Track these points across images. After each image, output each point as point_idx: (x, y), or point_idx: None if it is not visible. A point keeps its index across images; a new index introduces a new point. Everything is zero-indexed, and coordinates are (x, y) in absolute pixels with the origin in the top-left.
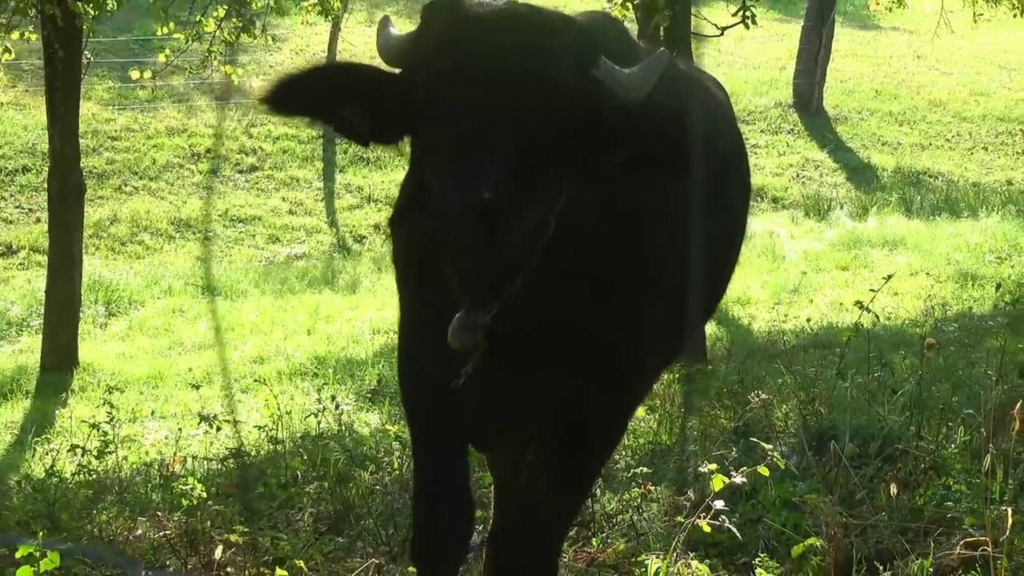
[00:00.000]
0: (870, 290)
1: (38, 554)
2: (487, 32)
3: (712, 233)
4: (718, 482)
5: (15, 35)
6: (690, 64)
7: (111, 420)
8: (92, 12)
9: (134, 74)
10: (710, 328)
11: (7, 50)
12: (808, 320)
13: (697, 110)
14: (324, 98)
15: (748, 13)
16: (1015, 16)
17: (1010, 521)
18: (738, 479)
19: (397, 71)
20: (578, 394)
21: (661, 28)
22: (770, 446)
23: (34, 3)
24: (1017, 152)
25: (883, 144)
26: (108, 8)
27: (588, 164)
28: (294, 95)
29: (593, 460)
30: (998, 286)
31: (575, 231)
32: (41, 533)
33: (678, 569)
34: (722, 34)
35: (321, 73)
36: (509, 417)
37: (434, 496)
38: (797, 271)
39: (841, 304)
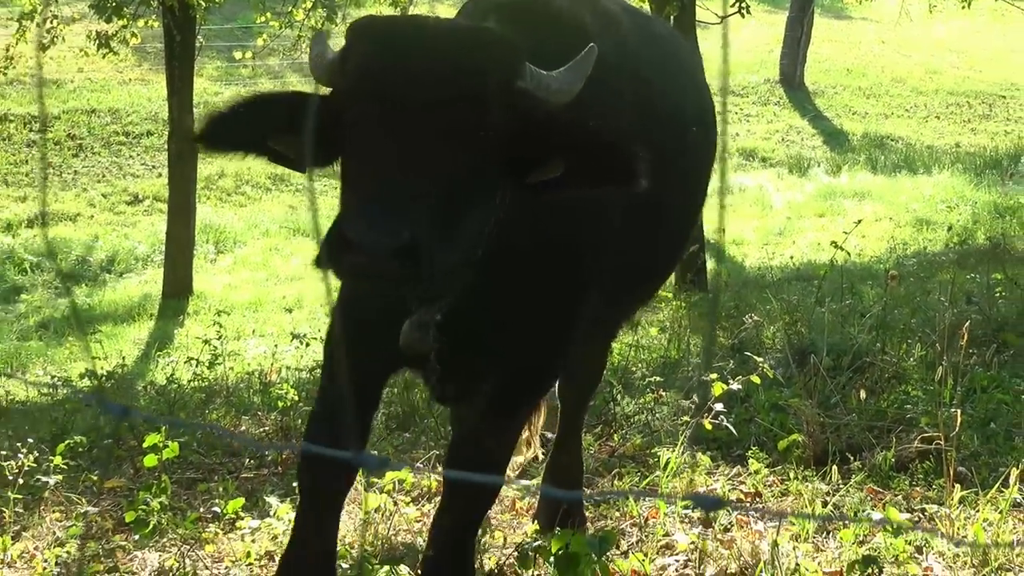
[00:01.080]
0: (843, 232)
1: (162, 444)
2: (409, 52)
3: (665, 209)
4: (718, 388)
5: (141, 23)
6: (656, 22)
7: (220, 337)
8: (203, 4)
9: (237, 55)
10: (710, 263)
11: (134, 35)
12: (791, 258)
13: (656, 77)
14: (251, 133)
15: (744, 4)
16: (963, 7)
17: (959, 421)
18: (735, 386)
19: (326, 91)
20: (512, 360)
21: (671, 17)
22: (761, 359)
23: None
24: (963, 120)
25: (853, 113)
26: (216, 0)
27: (524, 177)
28: (223, 133)
29: (526, 400)
30: (949, 228)
31: (514, 227)
32: (164, 428)
33: (685, 459)
34: (721, 21)
35: (245, 107)
36: (460, 378)
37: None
38: (782, 217)
39: (819, 244)
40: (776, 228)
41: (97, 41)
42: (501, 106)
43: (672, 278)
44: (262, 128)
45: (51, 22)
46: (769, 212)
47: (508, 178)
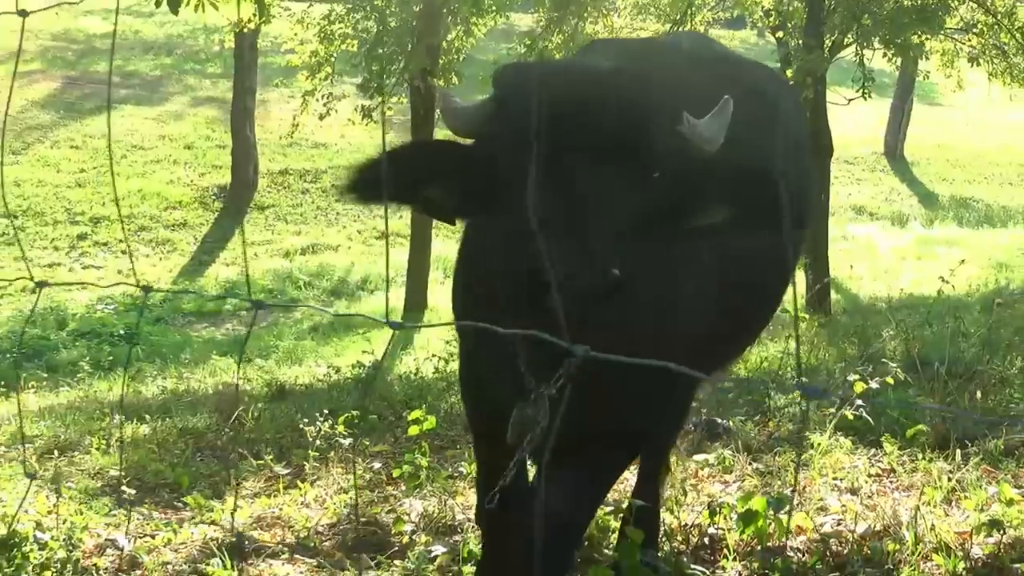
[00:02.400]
0: (949, 270)
1: (423, 418)
2: (576, 97)
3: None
4: (858, 387)
5: (394, 99)
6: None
7: (453, 339)
8: (442, 84)
9: None
10: (834, 294)
11: (389, 108)
12: (901, 290)
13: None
14: (407, 182)
15: (868, 92)
16: None
17: None
18: (873, 384)
19: (471, 142)
20: (614, 425)
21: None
22: (893, 364)
23: (407, 80)
24: None
25: (942, 180)
26: (452, 82)
27: (684, 222)
28: (375, 183)
29: (605, 474)
30: None
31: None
32: (424, 406)
33: (832, 442)
34: (848, 103)
35: (399, 157)
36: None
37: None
38: (888, 259)
39: (919, 282)
40: (883, 268)
41: (361, 113)
42: (665, 150)
43: (803, 302)
44: (417, 178)
45: (327, 98)
46: (876, 255)
47: (668, 223)
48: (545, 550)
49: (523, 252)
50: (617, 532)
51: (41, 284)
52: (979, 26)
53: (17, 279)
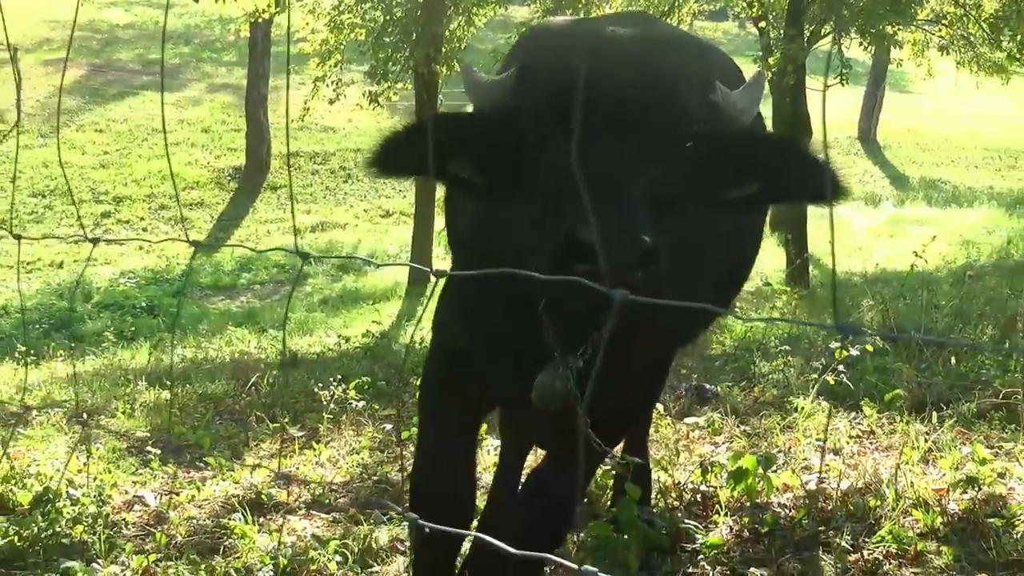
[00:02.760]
0: (921, 246)
1: None
2: (607, 61)
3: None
4: (840, 353)
5: (399, 85)
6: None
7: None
8: (444, 71)
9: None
10: (812, 269)
11: (395, 94)
12: (876, 264)
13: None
14: (432, 156)
15: (845, 79)
16: (1002, 84)
17: None
18: (854, 352)
19: (498, 114)
20: (623, 399)
21: (790, 83)
22: (870, 331)
23: (412, 67)
24: (995, 169)
25: (912, 162)
26: (454, 69)
27: (721, 194)
28: (401, 158)
29: (620, 436)
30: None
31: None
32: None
33: (813, 406)
34: (826, 89)
35: (422, 131)
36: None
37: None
38: (863, 237)
39: (892, 258)
40: (857, 245)
41: (369, 98)
42: (699, 119)
43: (783, 275)
44: (443, 152)
45: (337, 84)
46: (851, 233)
47: (705, 196)
48: (543, 524)
49: (556, 223)
50: (613, 489)
51: (95, 240)
52: (948, 17)
53: (72, 238)
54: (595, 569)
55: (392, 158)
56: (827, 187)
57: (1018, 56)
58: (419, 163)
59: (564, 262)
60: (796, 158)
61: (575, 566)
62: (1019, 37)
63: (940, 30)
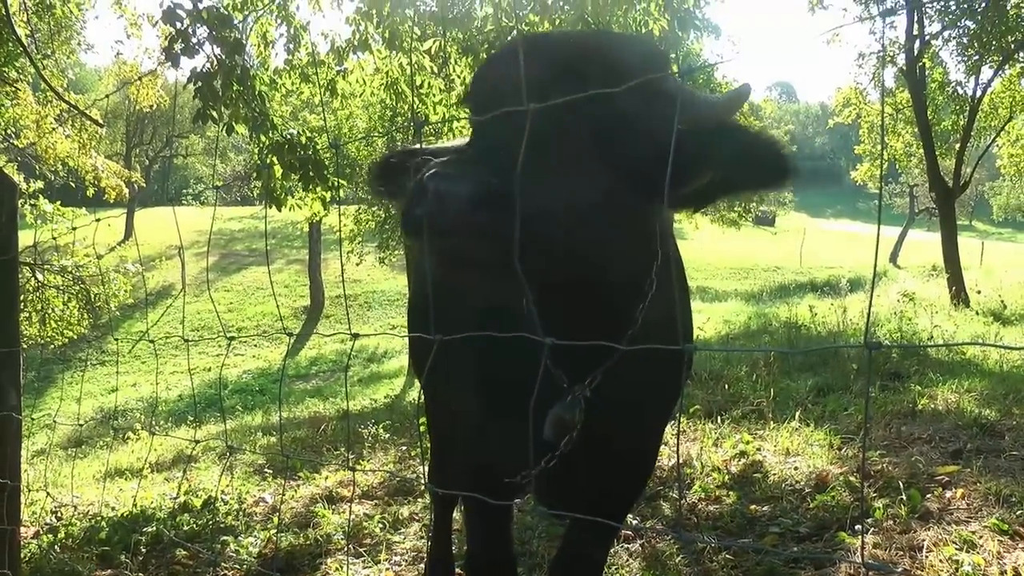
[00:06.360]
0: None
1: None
2: (540, 48)
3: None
4: None
5: (399, 251)
6: None
7: None
8: None
9: None
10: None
11: (393, 257)
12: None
13: None
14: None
15: None
16: None
17: (771, 394)
18: None
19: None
20: (637, 444)
21: None
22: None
23: (405, 242)
24: None
25: None
26: None
27: (679, 188)
28: (392, 176)
29: (638, 494)
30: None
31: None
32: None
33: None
34: None
35: (395, 161)
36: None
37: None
38: None
39: None
40: None
41: (379, 260)
42: (639, 94)
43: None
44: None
45: (360, 256)
46: None
47: (658, 190)
48: None
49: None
50: None
51: (355, 335)
52: None
53: (334, 333)
54: None
55: (386, 176)
56: (786, 169)
57: None
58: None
59: (406, 209)
60: (747, 139)
61: None
62: None
63: None
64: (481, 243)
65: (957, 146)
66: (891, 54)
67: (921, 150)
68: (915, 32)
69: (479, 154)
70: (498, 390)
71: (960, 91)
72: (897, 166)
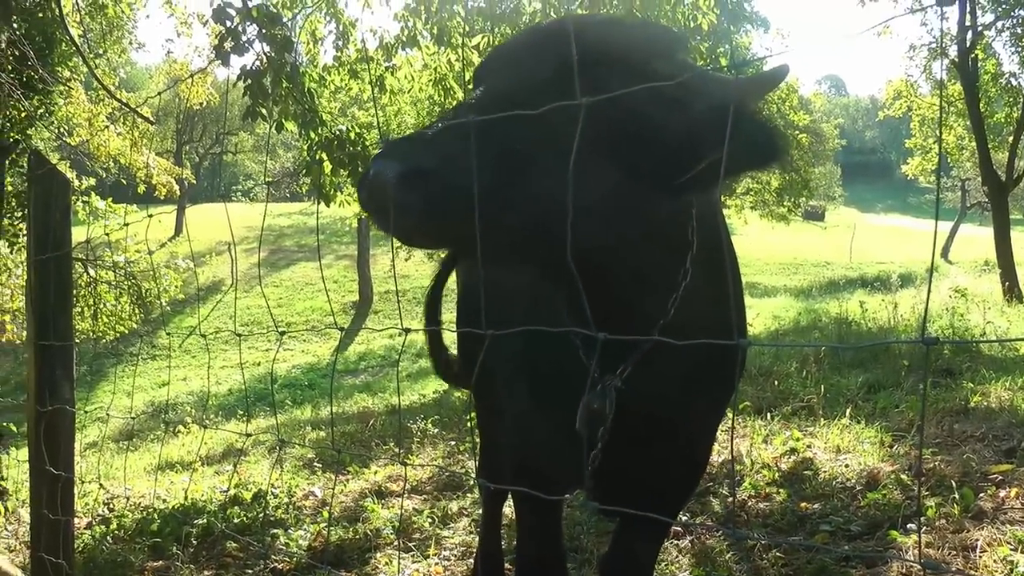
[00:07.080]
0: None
1: (473, 418)
2: (540, 31)
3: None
4: None
5: None
6: None
7: None
8: None
9: None
10: None
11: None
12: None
13: None
14: None
15: None
16: None
17: (822, 391)
18: None
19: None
20: (684, 446)
21: None
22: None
23: None
24: None
25: None
26: None
27: (678, 176)
28: None
29: (689, 496)
30: None
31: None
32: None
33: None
34: None
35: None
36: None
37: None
38: None
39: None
40: None
41: (428, 256)
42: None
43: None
44: None
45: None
46: None
47: (658, 178)
48: None
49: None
50: None
51: (406, 330)
52: None
53: (384, 329)
54: None
55: None
56: (778, 148)
57: None
58: None
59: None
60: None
61: None
62: None
63: None
64: (406, 221)
65: (1010, 139)
66: (944, 45)
67: (973, 143)
68: (967, 23)
69: (437, 133)
70: (539, 384)
71: (1013, 83)
72: (949, 160)
